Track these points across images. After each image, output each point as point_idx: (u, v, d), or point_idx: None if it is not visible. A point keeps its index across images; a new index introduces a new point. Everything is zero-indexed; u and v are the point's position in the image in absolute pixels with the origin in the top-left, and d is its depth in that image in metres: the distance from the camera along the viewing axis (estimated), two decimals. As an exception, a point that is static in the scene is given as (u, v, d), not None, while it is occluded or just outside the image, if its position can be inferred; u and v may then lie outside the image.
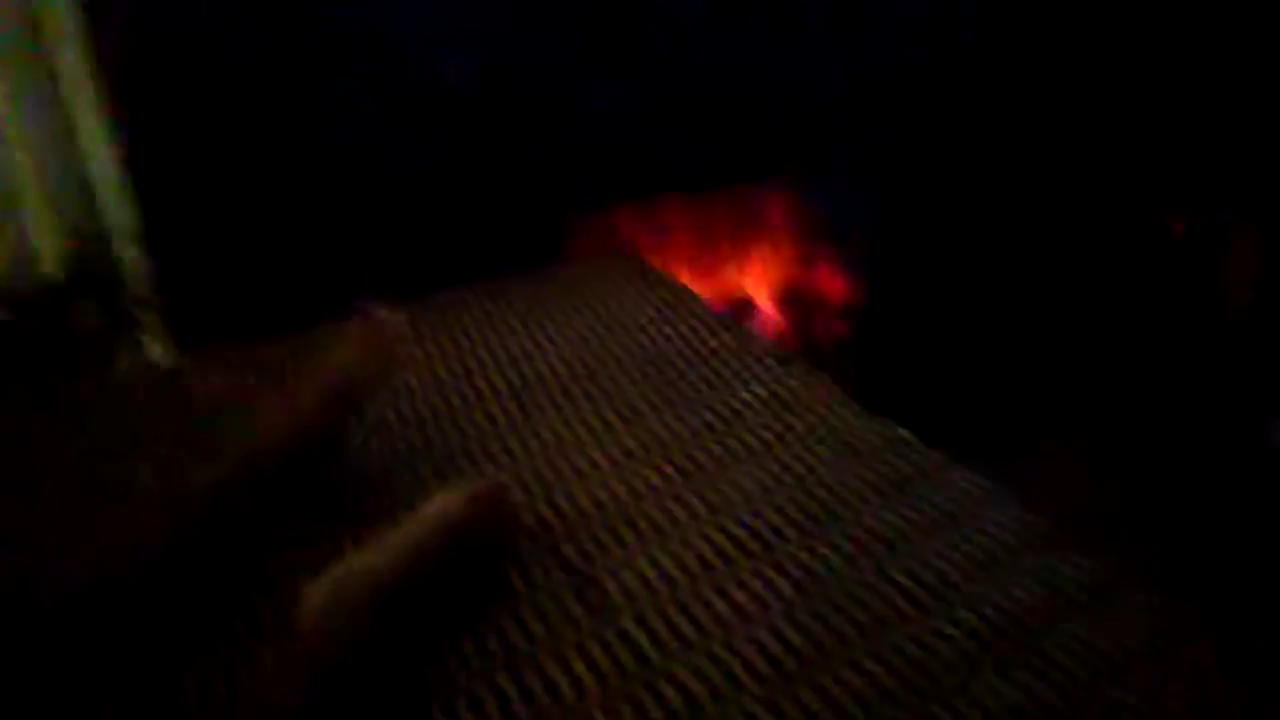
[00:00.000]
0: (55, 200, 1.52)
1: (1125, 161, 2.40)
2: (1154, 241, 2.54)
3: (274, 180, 1.69)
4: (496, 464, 0.99)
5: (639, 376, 1.13)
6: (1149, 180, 2.46)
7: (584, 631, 0.79)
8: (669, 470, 0.97)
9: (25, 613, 0.76)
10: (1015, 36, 2.22)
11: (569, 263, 1.67)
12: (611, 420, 1.06)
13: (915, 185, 2.28)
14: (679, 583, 0.83)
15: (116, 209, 1.57)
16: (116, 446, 1.05)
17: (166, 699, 0.74)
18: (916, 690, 0.72)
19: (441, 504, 0.83)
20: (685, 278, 1.90)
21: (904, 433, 1.02)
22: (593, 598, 0.81)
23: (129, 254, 1.57)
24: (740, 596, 0.81)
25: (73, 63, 1.49)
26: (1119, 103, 2.32)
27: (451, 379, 1.15)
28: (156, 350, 1.62)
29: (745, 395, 1.08)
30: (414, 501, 0.89)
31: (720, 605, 0.80)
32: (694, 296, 1.33)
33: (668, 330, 1.23)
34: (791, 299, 2.40)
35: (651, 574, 0.84)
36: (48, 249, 1.53)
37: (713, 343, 1.19)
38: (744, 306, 2.37)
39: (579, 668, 0.75)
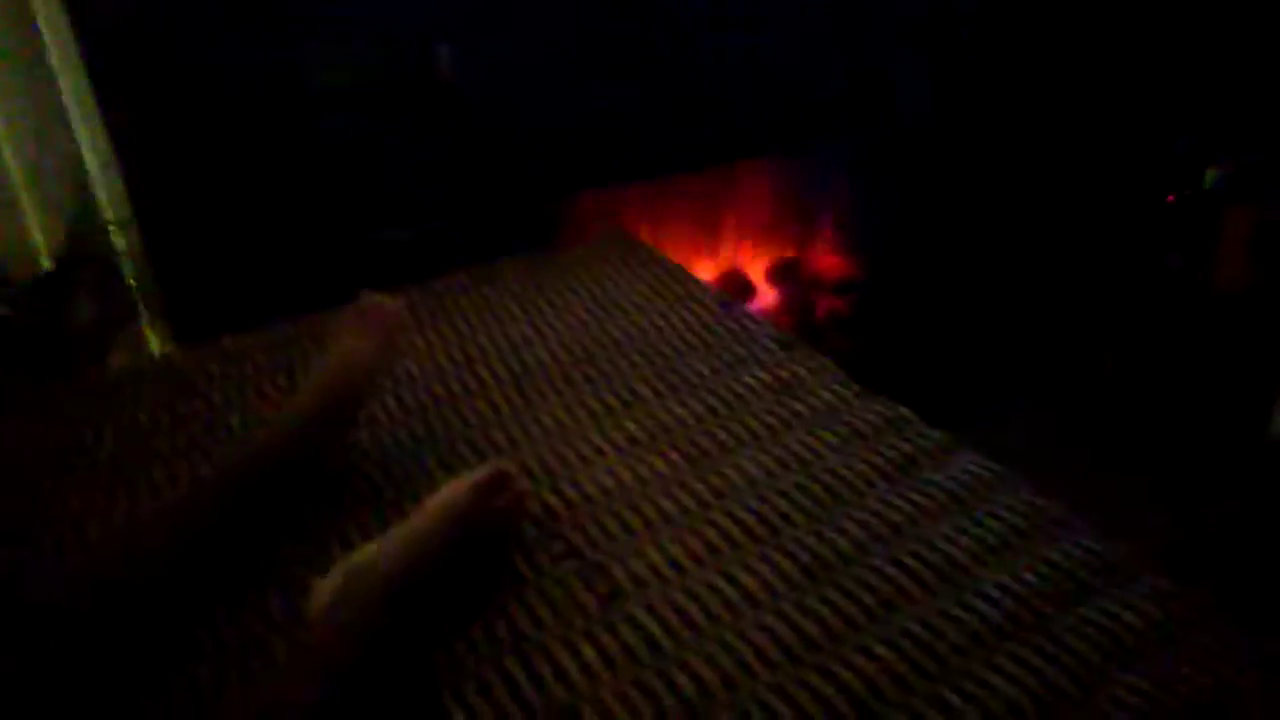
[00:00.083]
0: (49, 193, 1.51)
1: (1119, 140, 2.40)
2: (1148, 215, 2.54)
3: (268, 169, 1.68)
4: (499, 451, 0.99)
5: (639, 360, 1.13)
6: (1143, 158, 2.46)
7: (593, 618, 0.78)
8: (673, 456, 0.96)
9: (25, 612, 0.75)
10: (1009, 19, 2.21)
11: (565, 245, 1.66)
12: (613, 405, 1.05)
13: (914, 171, 2.28)
14: (687, 569, 0.83)
15: (111, 201, 1.56)
16: (117, 441, 1.05)
17: (179, 692, 0.74)
18: (926, 674, 0.72)
19: (447, 493, 0.82)
20: (682, 258, 1.90)
21: (905, 411, 1.02)
22: (601, 585, 0.81)
23: (124, 246, 1.56)
24: (749, 582, 0.81)
25: (64, 53, 1.47)
26: (1109, 80, 2.32)
27: (452, 366, 1.14)
28: (153, 341, 1.61)
29: (748, 379, 1.07)
30: (419, 491, 0.89)
31: (729, 591, 0.80)
32: (692, 278, 1.32)
33: (667, 313, 1.22)
34: (787, 276, 2.40)
35: (659, 560, 0.83)
36: (42, 242, 1.52)
37: (713, 325, 1.19)
38: (742, 286, 2.37)
39: (589, 654, 0.75)
